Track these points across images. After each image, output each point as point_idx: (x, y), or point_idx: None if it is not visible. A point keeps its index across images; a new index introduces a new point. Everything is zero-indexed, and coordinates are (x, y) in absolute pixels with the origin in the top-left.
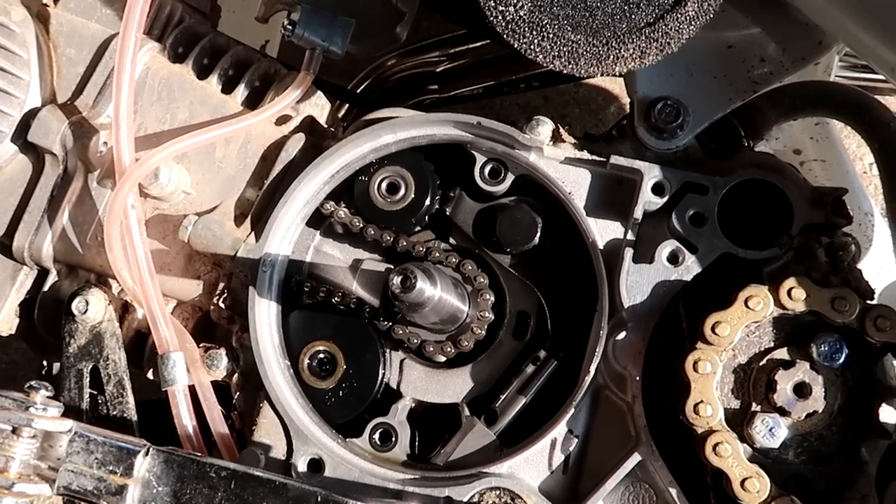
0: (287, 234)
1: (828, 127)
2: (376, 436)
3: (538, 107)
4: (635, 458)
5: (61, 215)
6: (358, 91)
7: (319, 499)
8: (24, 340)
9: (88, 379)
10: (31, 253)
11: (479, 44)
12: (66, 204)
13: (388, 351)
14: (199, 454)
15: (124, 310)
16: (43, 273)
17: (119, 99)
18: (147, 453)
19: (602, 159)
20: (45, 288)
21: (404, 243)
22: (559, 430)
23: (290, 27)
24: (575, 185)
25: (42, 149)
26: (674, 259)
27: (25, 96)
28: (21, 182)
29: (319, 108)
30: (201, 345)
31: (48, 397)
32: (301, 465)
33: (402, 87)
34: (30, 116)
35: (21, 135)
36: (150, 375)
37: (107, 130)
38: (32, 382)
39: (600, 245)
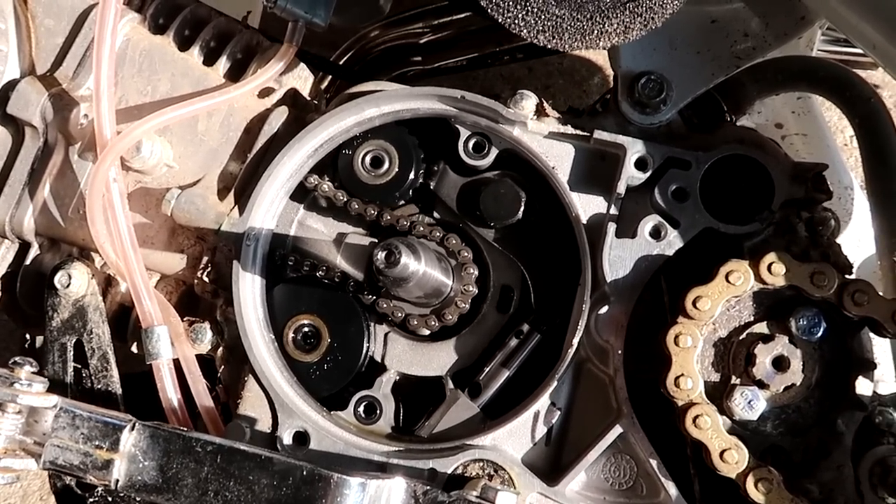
0: (271, 208)
1: (809, 101)
2: (361, 408)
3: (522, 78)
4: (617, 430)
5: (42, 188)
6: (341, 63)
7: (305, 472)
8: (6, 314)
9: (72, 353)
10: (12, 226)
11: (462, 15)
12: (47, 177)
13: (372, 324)
14: (185, 429)
15: (107, 283)
16: (24, 246)
17: (99, 71)
18: (133, 428)
19: (586, 134)
20: (27, 261)
21: (388, 217)
22: (542, 402)
23: None
24: (558, 159)
25: (21, 121)
26: (656, 234)
27: (4, 67)
28: (0, 155)
29: (302, 80)
30: (185, 318)
31: (33, 373)
32: (286, 438)
33: (385, 58)
34: (8, 88)
35: None
36: (134, 349)
37: (87, 103)
38: (17, 358)
39: (583, 219)
